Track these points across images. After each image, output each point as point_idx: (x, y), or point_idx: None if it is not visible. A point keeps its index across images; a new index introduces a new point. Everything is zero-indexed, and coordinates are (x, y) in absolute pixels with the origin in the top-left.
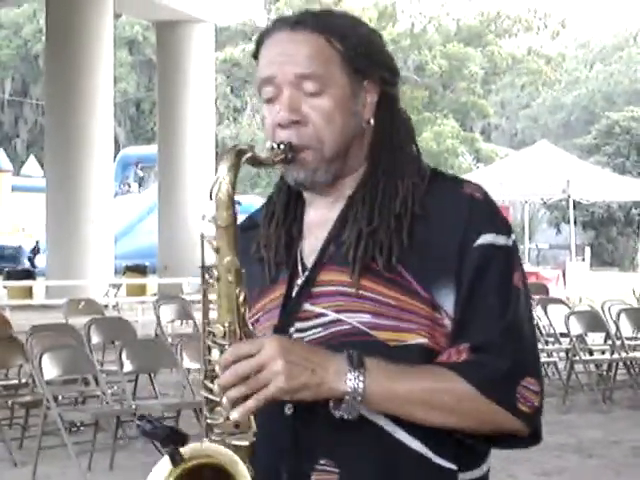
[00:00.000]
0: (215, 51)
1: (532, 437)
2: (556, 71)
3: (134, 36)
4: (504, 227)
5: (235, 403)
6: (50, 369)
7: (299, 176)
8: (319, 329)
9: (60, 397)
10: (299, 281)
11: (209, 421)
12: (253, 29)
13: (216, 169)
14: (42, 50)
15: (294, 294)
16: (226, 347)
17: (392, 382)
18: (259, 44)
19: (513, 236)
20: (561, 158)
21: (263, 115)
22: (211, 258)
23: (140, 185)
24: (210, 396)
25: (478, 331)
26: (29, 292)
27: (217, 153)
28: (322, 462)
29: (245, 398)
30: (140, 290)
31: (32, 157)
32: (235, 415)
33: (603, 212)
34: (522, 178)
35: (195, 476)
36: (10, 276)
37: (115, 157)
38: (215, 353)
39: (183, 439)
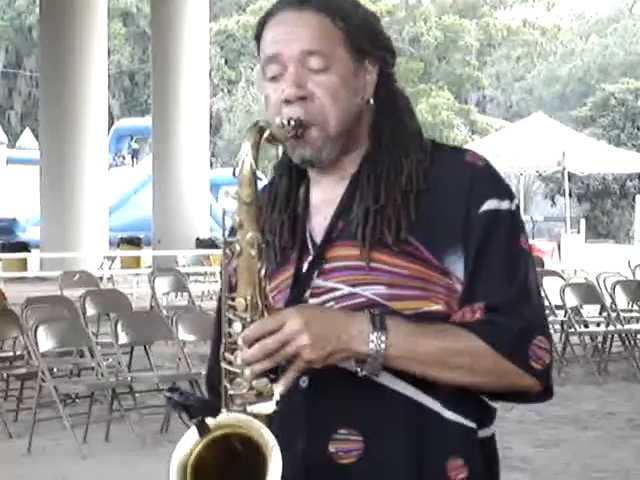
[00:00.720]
0: (209, 22)
1: (544, 392)
2: (551, 43)
3: (128, 8)
4: (507, 192)
5: (260, 375)
6: (45, 341)
7: (305, 153)
8: (331, 303)
9: (55, 369)
10: (309, 258)
11: (231, 392)
12: (247, 0)
13: (241, 146)
14: (36, 22)
15: (305, 272)
16: (248, 320)
17: (412, 342)
18: (262, 25)
19: (516, 201)
20: (556, 130)
21: (267, 94)
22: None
23: (134, 157)
24: (230, 368)
25: (490, 292)
26: (24, 264)
27: (211, 125)
28: (342, 431)
29: (271, 370)
30: (135, 262)
31: (27, 130)
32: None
33: (598, 184)
34: (517, 150)
35: (222, 446)
36: (4, 248)
37: (109, 129)
38: (237, 326)
39: (214, 410)
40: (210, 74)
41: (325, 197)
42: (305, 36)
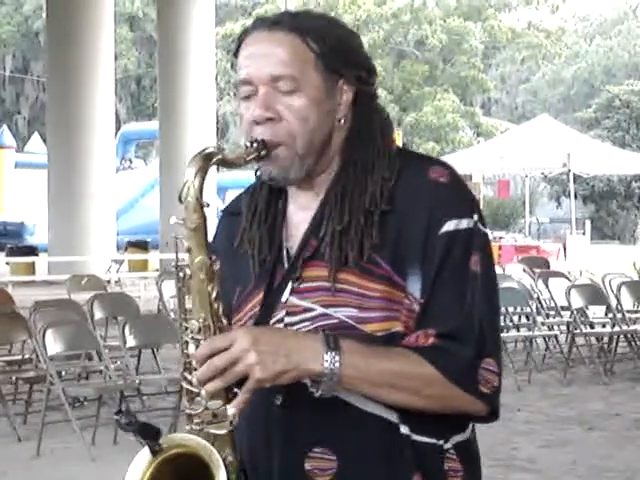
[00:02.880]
0: (215, 27)
1: (490, 415)
2: (556, 45)
3: (134, 12)
4: (468, 209)
5: (214, 395)
6: (53, 345)
7: (272, 172)
8: (307, 323)
9: (63, 372)
10: (281, 275)
11: (188, 411)
12: (253, 4)
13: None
14: (43, 27)
15: (276, 287)
16: (201, 342)
17: (365, 363)
18: (239, 43)
19: (476, 215)
20: (561, 132)
21: (241, 112)
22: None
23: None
24: (189, 387)
25: (443, 318)
26: (32, 268)
27: (218, 129)
28: (317, 450)
29: (225, 389)
30: (142, 266)
31: (36, 134)
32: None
33: (603, 185)
34: (522, 152)
35: (173, 464)
36: (13, 252)
37: (116, 133)
38: (192, 347)
39: (157, 432)
40: (216, 78)
41: (301, 214)
42: (274, 59)
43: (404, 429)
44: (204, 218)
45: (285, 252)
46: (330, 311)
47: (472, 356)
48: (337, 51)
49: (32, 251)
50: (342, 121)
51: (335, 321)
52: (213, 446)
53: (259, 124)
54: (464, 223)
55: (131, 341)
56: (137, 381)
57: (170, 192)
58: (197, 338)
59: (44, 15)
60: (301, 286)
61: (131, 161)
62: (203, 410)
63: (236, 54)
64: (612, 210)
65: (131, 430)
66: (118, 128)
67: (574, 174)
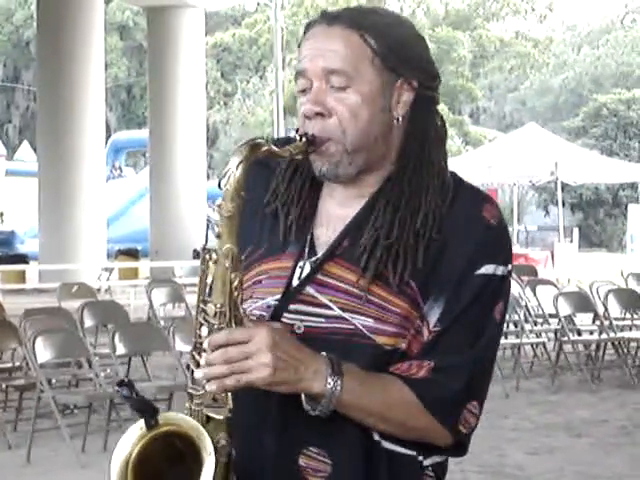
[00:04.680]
0: (205, 36)
1: (458, 451)
2: (544, 54)
3: (125, 21)
4: (506, 257)
5: (214, 378)
6: (43, 352)
7: (322, 168)
8: (322, 319)
9: (54, 380)
10: (307, 265)
11: (190, 390)
12: (242, 14)
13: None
14: (33, 36)
15: (300, 277)
16: (215, 326)
17: (361, 391)
18: (304, 35)
19: (510, 265)
20: (549, 140)
21: (299, 104)
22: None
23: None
24: (195, 368)
25: (445, 354)
26: (22, 276)
27: (208, 138)
28: (313, 450)
29: (225, 377)
30: (132, 274)
31: (25, 142)
32: (212, 387)
33: (591, 194)
34: (511, 161)
35: (165, 442)
36: (3, 260)
37: (106, 142)
38: (204, 330)
39: (154, 409)
40: (206, 87)
41: (337, 211)
42: (329, 53)
43: (385, 443)
44: (239, 209)
45: (310, 241)
46: (347, 315)
47: (461, 395)
48: (396, 50)
49: (22, 259)
50: (399, 120)
51: (351, 327)
52: (206, 428)
53: (309, 118)
54: (500, 270)
55: (121, 349)
56: None
57: (160, 200)
58: (212, 322)
59: (35, 25)
60: (320, 278)
61: (121, 169)
62: (204, 392)
63: (300, 45)
64: (600, 218)
65: (130, 402)
66: (108, 137)
67: (562, 182)
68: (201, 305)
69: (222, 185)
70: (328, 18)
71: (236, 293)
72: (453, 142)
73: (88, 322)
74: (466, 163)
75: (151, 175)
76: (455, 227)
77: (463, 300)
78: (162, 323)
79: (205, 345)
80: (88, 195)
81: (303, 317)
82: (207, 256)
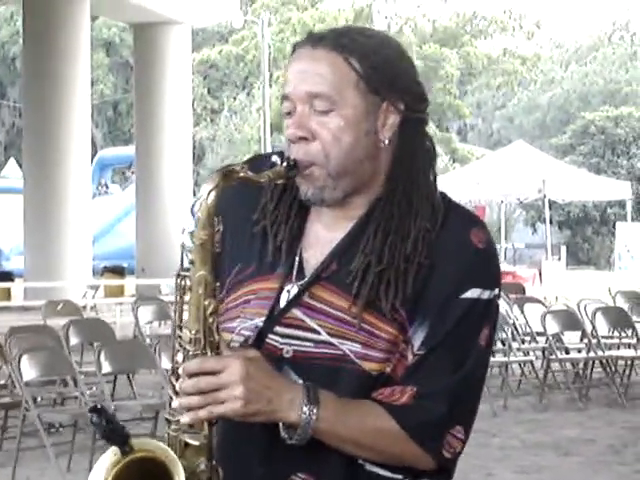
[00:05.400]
0: (192, 52)
1: (441, 474)
2: (531, 71)
3: (111, 38)
4: (494, 280)
5: (187, 410)
6: (29, 370)
7: (308, 192)
8: (309, 344)
9: (39, 398)
10: (295, 288)
11: (167, 416)
12: (229, 30)
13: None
14: (19, 52)
15: (287, 298)
16: (190, 353)
17: (338, 420)
18: (290, 57)
19: (497, 290)
20: (537, 158)
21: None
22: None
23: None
24: (171, 393)
25: (428, 379)
26: (7, 294)
27: (194, 155)
28: (301, 475)
29: (199, 408)
30: (118, 291)
31: (12, 159)
32: (185, 419)
33: (579, 211)
34: (498, 178)
35: (138, 468)
36: None
37: (92, 159)
38: (180, 356)
39: (126, 435)
40: (193, 104)
41: (325, 234)
42: (312, 77)
43: (370, 467)
44: (212, 235)
45: (298, 263)
46: (335, 341)
47: (444, 419)
48: (382, 73)
49: (8, 277)
50: (386, 143)
51: (339, 352)
52: (185, 454)
53: (293, 142)
54: (486, 294)
55: (107, 367)
56: (112, 407)
57: (146, 217)
58: (187, 348)
59: (20, 41)
60: (309, 302)
61: (107, 186)
62: (179, 419)
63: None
64: (587, 236)
65: (101, 429)
66: (94, 153)
67: (549, 200)
68: (177, 331)
69: (194, 213)
70: (313, 40)
71: (211, 319)
72: (441, 159)
73: (74, 340)
74: (454, 180)
75: (137, 192)
76: (443, 252)
77: (447, 324)
78: (148, 341)
79: (180, 371)
80: (74, 212)
81: (292, 341)
82: (182, 282)
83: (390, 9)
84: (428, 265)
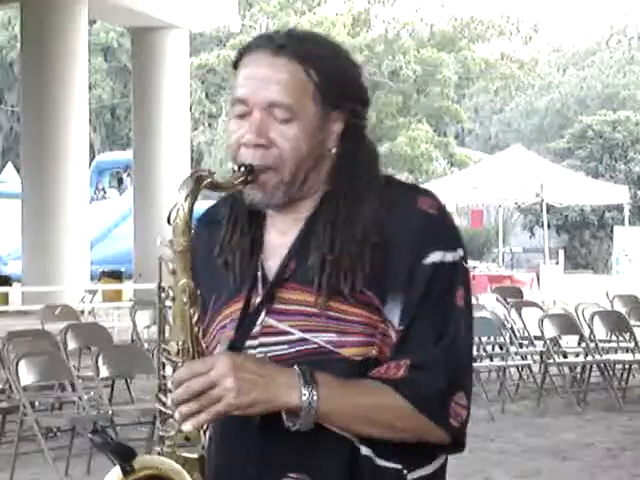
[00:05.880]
0: (190, 57)
1: (455, 446)
2: (529, 76)
3: (109, 42)
4: (454, 242)
5: (187, 417)
6: (26, 375)
7: (255, 197)
8: (285, 346)
9: (37, 403)
10: (259, 296)
11: (161, 433)
12: (227, 35)
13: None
14: (17, 57)
15: (254, 308)
16: (179, 364)
17: (340, 397)
18: (240, 56)
19: (461, 250)
20: (534, 162)
21: (231, 128)
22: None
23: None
24: (163, 409)
25: (418, 349)
26: (5, 298)
27: (192, 159)
28: (292, 475)
29: (198, 412)
30: (116, 296)
31: (10, 164)
32: (188, 427)
33: (576, 215)
34: (496, 182)
35: None
36: None
37: (90, 163)
38: (168, 369)
39: (131, 453)
40: (191, 108)
41: (279, 239)
42: (274, 86)
43: (367, 451)
44: (190, 242)
45: (261, 271)
46: (308, 336)
47: (445, 389)
48: (335, 83)
49: (5, 281)
50: (332, 150)
51: (314, 346)
52: (185, 468)
53: (248, 147)
54: (449, 256)
55: (104, 371)
56: (110, 411)
57: (144, 222)
58: (175, 360)
59: (18, 46)
60: (278, 307)
61: (105, 191)
62: (176, 433)
63: (235, 66)
64: (585, 240)
65: (105, 450)
66: (92, 158)
67: (547, 204)
68: (162, 345)
69: (171, 221)
70: (274, 46)
71: (196, 328)
72: (438, 164)
73: (71, 344)
74: (451, 185)
75: (135, 196)
76: (395, 226)
77: (417, 293)
78: (146, 345)
79: (169, 384)
80: (72, 217)
81: (267, 349)
82: (163, 294)
83: (388, 13)
84: (383, 243)
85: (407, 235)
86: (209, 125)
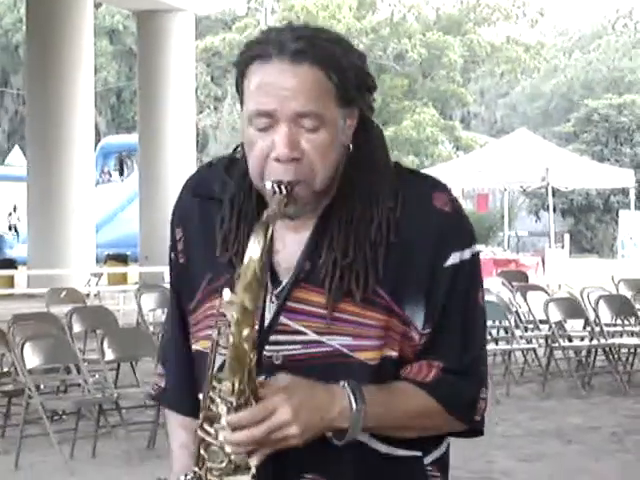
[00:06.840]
0: (195, 40)
1: (477, 434)
2: (535, 59)
3: (114, 25)
4: (469, 239)
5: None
6: (32, 358)
7: (289, 211)
8: (298, 346)
9: (42, 386)
10: (269, 293)
11: (209, 464)
12: (233, 18)
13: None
14: (22, 40)
15: (271, 308)
16: (233, 404)
17: (385, 412)
18: (246, 64)
19: (475, 246)
20: (540, 146)
21: (250, 138)
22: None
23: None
24: (208, 439)
25: (449, 352)
26: (11, 281)
27: (198, 142)
28: (309, 476)
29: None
30: (121, 279)
31: (16, 147)
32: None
33: (582, 199)
34: (501, 166)
35: None
36: None
37: (96, 146)
38: (222, 408)
39: None
40: (196, 91)
41: (292, 234)
42: (302, 96)
43: (386, 449)
44: (258, 299)
45: (270, 269)
46: (324, 339)
47: (476, 391)
48: (351, 80)
49: (11, 264)
50: (351, 147)
51: (329, 349)
52: None
53: (280, 162)
54: (466, 254)
55: (110, 354)
56: (115, 394)
57: (150, 205)
58: (228, 399)
59: (24, 29)
60: (292, 306)
61: (110, 174)
62: (227, 464)
63: (242, 67)
64: (591, 224)
65: None
66: (98, 141)
67: (553, 188)
68: (214, 382)
69: (240, 272)
70: (289, 52)
71: (253, 373)
72: (444, 147)
73: (77, 327)
74: (457, 168)
75: (141, 180)
76: (411, 225)
77: (441, 295)
78: (151, 329)
79: (224, 422)
80: (77, 200)
81: (279, 347)
82: (222, 333)
83: None
84: (399, 244)
85: (424, 236)
86: (214, 108)
